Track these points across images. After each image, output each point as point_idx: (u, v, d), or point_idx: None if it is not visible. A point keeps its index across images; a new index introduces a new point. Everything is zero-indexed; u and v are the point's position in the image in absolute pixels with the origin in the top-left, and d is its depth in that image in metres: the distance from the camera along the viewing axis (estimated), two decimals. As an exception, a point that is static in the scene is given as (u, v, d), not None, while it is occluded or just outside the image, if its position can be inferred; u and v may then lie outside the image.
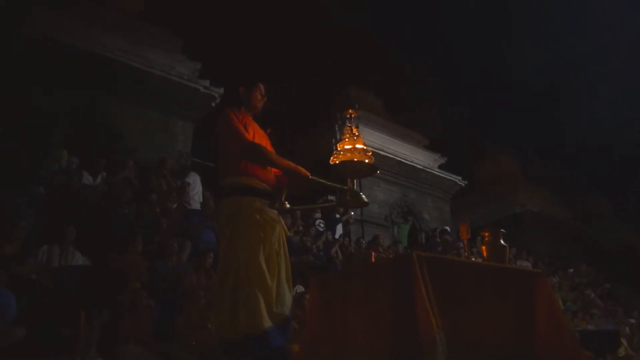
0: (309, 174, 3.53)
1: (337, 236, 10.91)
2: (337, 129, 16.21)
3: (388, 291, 2.49)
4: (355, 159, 3.20)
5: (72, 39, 10.45)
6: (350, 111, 3.55)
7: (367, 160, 3.20)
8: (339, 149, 3.34)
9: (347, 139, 3.35)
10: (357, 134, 3.39)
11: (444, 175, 18.27)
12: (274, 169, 3.83)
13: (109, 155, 9.01)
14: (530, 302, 2.83)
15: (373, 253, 3.36)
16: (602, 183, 26.71)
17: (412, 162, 17.29)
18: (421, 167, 17.55)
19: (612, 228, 25.71)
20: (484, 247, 2.99)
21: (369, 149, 3.32)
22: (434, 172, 17.99)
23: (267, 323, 3.22)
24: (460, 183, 18.72)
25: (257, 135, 3.84)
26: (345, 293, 2.77)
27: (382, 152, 16.32)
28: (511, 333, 2.75)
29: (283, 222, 3.82)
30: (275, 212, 3.66)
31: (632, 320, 12.11)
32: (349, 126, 3.43)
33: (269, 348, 3.21)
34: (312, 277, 2.98)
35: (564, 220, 25.09)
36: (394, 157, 16.69)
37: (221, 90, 12.46)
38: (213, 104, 12.56)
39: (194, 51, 13.09)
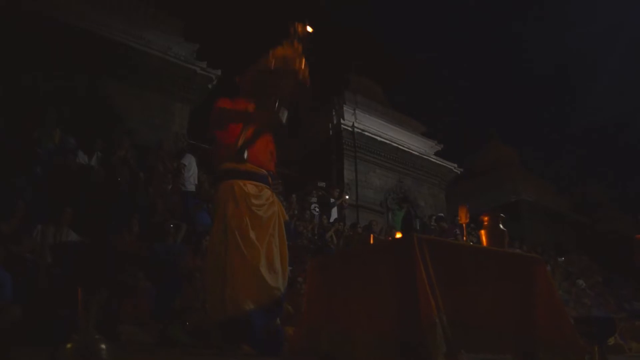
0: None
1: (332, 220, 10.94)
2: (334, 113, 16.17)
3: (388, 273, 2.49)
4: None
5: (71, 19, 10.36)
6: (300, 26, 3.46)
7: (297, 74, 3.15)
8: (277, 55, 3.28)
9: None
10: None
11: (440, 163, 18.28)
12: (269, 157, 3.85)
13: (106, 136, 8.96)
14: (530, 287, 2.84)
15: (372, 235, 3.37)
16: (600, 173, 26.85)
17: (408, 148, 17.30)
18: (417, 154, 17.55)
19: (609, 217, 25.86)
20: (482, 232, 3.00)
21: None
22: (430, 159, 18.00)
23: (250, 306, 3.25)
24: (456, 170, 18.74)
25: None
26: (345, 275, 2.77)
27: (378, 138, 16.32)
28: (512, 317, 2.76)
29: (280, 205, 3.84)
30: (270, 194, 3.68)
31: (627, 306, 12.19)
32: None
33: (254, 330, 3.25)
34: (310, 259, 2.98)
35: (561, 210, 25.21)
36: (390, 143, 16.69)
37: (218, 72, 12.41)
38: (210, 86, 12.51)
39: (192, 33, 13.01)
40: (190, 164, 9.36)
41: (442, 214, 13.81)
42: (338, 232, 10.12)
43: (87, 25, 10.56)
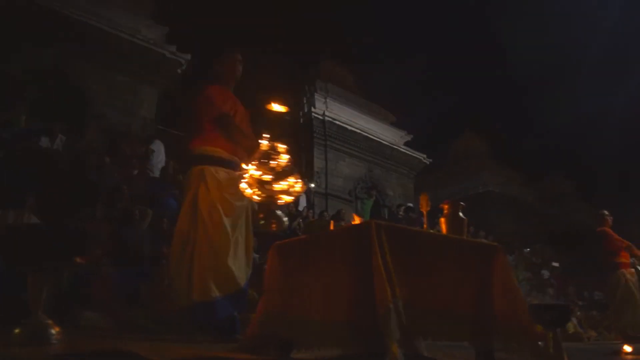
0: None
1: (300, 208, 10.94)
2: (305, 101, 16.14)
3: (346, 259, 2.50)
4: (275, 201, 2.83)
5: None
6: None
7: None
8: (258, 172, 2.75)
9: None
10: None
11: (409, 153, 18.42)
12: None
13: (72, 118, 8.80)
14: (488, 275, 2.88)
15: (332, 221, 3.39)
16: (566, 164, 27.40)
17: (378, 138, 17.38)
18: (387, 144, 17.66)
19: (574, 209, 26.44)
20: (442, 220, 3.04)
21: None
22: (400, 149, 18.12)
23: (215, 293, 3.25)
24: (425, 161, 18.91)
25: (237, 113, 3.83)
26: (304, 261, 2.78)
27: (349, 127, 16.36)
28: (470, 305, 2.79)
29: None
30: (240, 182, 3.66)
31: (587, 296, 12.52)
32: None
33: (217, 317, 3.25)
34: (272, 245, 2.98)
35: (528, 201, 25.68)
36: (360, 132, 16.74)
37: (188, 57, 12.25)
38: (179, 70, 12.35)
39: (162, 15, 12.80)
40: (159, 149, 9.25)
41: (411, 204, 13.92)
42: (306, 220, 10.13)
43: (54, 5, 10.31)
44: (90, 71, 10.91)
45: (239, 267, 3.44)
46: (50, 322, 2.27)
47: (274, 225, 2.92)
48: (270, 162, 2.75)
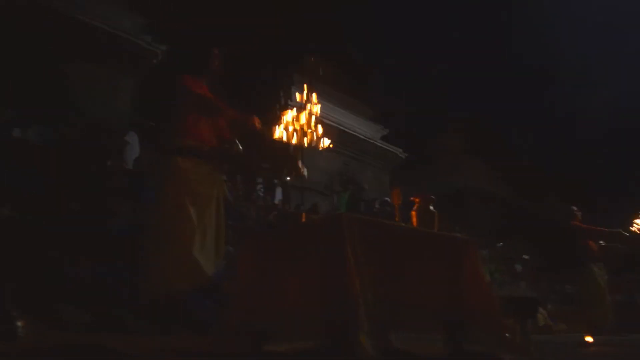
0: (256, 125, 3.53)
1: (276, 201, 10.94)
2: (282, 94, 16.09)
3: (318, 252, 2.52)
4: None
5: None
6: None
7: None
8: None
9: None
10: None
11: (386, 147, 18.48)
12: (216, 133, 3.82)
13: (47, 109, 8.66)
14: (459, 268, 2.93)
15: (304, 214, 3.41)
16: (543, 161, 27.70)
17: (355, 132, 17.40)
18: (364, 138, 17.69)
19: (549, 205, 26.76)
20: (413, 213, 3.08)
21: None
22: (377, 143, 18.17)
23: (182, 285, 3.25)
24: (401, 155, 18.99)
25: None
26: (277, 253, 2.80)
27: (325, 120, 16.29)
28: (440, 297, 2.84)
29: (223, 184, 3.82)
30: (211, 172, 3.65)
31: (558, 289, 12.76)
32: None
33: (187, 309, 3.25)
34: (246, 237, 3.00)
35: (505, 197, 25.96)
36: (337, 125, 16.73)
37: (164, 48, 12.10)
38: (155, 61, 12.19)
39: (138, 6, 12.59)
40: (134, 142, 9.16)
41: (387, 198, 13.98)
42: (282, 213, 10.13)
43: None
44: (65, 61, 10.71)
45: (206, 257, 3.41)
46: (15, 314, 2.25)
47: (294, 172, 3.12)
48: None
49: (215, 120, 3.86)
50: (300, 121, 3.25)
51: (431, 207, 3.07)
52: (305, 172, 3.27)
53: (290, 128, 3.16)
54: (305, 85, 3.38)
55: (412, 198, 3.11)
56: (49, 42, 10.39)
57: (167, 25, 12.79)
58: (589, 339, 4.48)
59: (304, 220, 3.00)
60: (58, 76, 10.25)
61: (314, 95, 3.37)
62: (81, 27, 10.90)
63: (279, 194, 11.75)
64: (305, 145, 3.20)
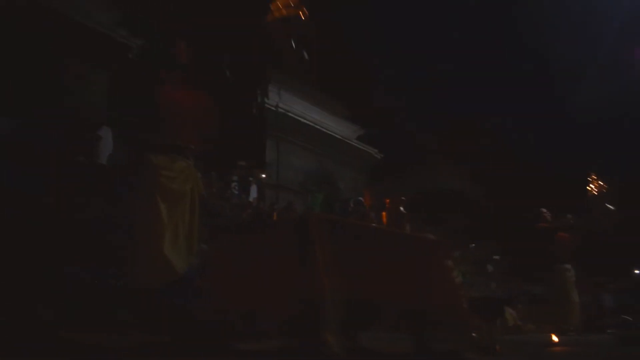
0: None
1: (250, 199, 10.93)
2: (258, 92, 16.03)
3: (287, 251, 2.54)
4: None
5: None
6: None
7: None
8: None
9: None
10: None
11: (362, 147, 18.58)
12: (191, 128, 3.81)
13: (17, 101, 8.49)
14: (427, 268, 2.98)
15: (275, 213, 3.43)
16: (517, 162, 28.05)
17: (331, 131, 17.46)
18: (340, 137, 17.76)
19: (521, 207, 27.09)
20: (384, 214, 3.12)
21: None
22: (352, 143, 18.26)
23: (152, 282, 3.23)
24: (376, 156, 19.10)
25: (182, 95, 3.81)
26: (249, 252, 2.81)
27: (302, 120, 16.37)
28: (410, 295, 2.88)
29: (198, 181, 3.80)
30: (185, 168, 3.64)
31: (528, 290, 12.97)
32: None
33: (158, 306, 3.23)
34: (218, 235, 3.00)
35: (477, 198, 26.27)
36: (313, 125, 16.79)
37: (139, 42, 11.97)
38: (130, 56, 12.05)
39: (114, -1, 12.44)
40: (108, 137, 9.04)
41: (361, 198, 14.04)
42: (257, 211, 10.13)
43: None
44: (38, 54, 10.53)
45: (178, 254, 3.38)
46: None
47: None
48: None
49: (190, 112, 3.84)
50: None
51: (402, 209, 3.11)
52: None
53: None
54: None
55: (383, 199, 3.15)
56: (20, 32, 10.20)
57: (143, 20, 12.64)
58: (554, 338, 4.58)
59: (275, 219, 3.02)
60: (29, 67, 10.08)
61: None
62: (55, 19, 10.73)
63: (253, 192, 11.73)
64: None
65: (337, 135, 17.66)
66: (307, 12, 3.20)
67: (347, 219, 2.91)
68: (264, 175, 13.19)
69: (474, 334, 3.02)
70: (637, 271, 16.42)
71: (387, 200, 2.95)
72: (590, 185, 8.01)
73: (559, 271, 7.79)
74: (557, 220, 8.16)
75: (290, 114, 16.04)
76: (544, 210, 8.17)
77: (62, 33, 10.84)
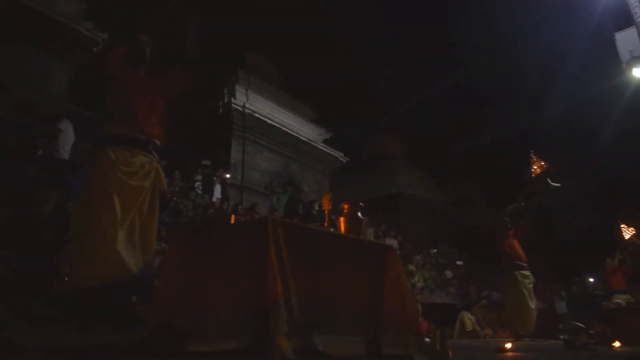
0: None
1: (214, 199, 10.87)
2: (225, 92, 15.98)
3: (244, 253, 2.54)
4: None
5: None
6: None
7: None
8: None
9: None
10: None
11: (327, 150, 18.66)
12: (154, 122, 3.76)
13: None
14: (381, 273, 3.02)
15: (233, 215, 3.42)
16: (473, 169, 28.59)
17: (297, 133, 17.50)
18: (306, 140, 17.81)
19: (478, 213, 27.68)
20: (341, 219, 3.14)
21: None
22: (318, 146, 18.32)
23: (101, 280, 3.18)
24: (342, 159, 19.21)
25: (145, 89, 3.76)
26: (204, 252, 2.79)
27: (269, 121, 16.36)
28: (364, 300, 2.91)
29: (160, 177, 3.73)
30: (145, 162, 3.58)
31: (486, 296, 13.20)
32: None
33: (106, 304, 3.18)
34: (175, 234, 2.97)
35: (438, 203, 26.66)
36: (280, 126, 16.78)
37: (105, 35, 11.79)
38: (95, 49, 11.86)
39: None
40: (67, 130, 8.85)
41: (323, 201, 14.07)
42: (220, 211, 10.07)
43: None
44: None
45: (132, 252, 3.33)
46: None
47: None
48: None
49: (155, 105, 3.78)
50: None
51: (359, 214, 3.14)
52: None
53: None
54: None
55: (341, 205, 3.18)
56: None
57: (109, 13, 12.45)
58: (507, 344, 4.68)
59: (232, 221, 3.02)
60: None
61: None
62: (18, 8, 10.47)
63: (217, 192, 11.66)
64: None
65: (303, 138, 17.70)
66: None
67: (304, 224, 2.91)
68: (228, 175, 13.14)
69: (426, 339, 3.06)
70: (590, 279, 16.92)
71: (345, 206, 2.97)
72: (533, 166, 8.23)
73: (514, 277, 7.94)
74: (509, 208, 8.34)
75: (257, 115, 16.01)
76: (506, 217, 8.34)
77: (21, 21, 10.57)
